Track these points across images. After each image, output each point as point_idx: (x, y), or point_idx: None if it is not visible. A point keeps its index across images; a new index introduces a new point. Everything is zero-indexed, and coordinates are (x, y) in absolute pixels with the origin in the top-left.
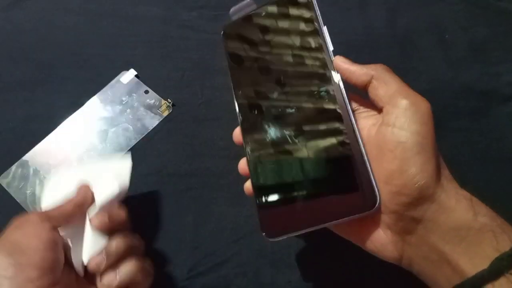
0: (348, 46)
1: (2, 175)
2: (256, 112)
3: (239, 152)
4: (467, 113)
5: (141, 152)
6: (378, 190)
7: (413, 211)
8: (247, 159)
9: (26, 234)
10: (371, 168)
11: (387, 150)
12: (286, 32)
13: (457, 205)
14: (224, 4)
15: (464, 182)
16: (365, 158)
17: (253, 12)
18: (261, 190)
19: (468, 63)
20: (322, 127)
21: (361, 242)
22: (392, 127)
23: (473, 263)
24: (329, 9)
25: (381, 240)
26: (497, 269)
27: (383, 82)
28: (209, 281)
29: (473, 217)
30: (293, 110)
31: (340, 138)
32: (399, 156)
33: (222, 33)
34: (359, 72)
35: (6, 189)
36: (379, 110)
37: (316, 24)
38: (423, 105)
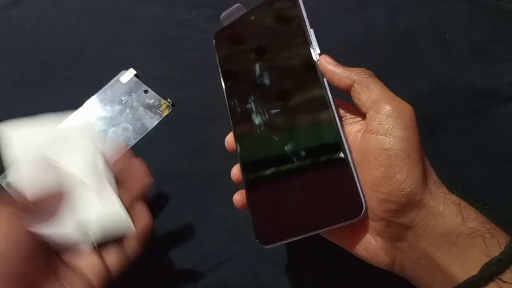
0: (348, 46)
1: (2, 175)
2: (247, 119)
3: None
4: (467, 113)
5: (141, 152)
6: (364, 198)
7: (401, 217)
8: (240, 165)
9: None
10: (357, 175)
11: (372, 158)
12: (275, 36)
13: (445, 211)
14: (224, 4)
15: (463, 182)
16: (352, 165)
17: (243, 17)
18: (254, 197)
19: (469, 63)
20: (311, 133)
21: (353, 248)
22: (376, 134)
23: (463, 269)
24: (329, 9)
25: (372, 247)
26: (487, 274)
27: (365, 87)
28: (209, 281)
29: (461, 222)
30: (283, 116)
31: (327, 145)
32: (384, 163)
33: (213, 41)
34: (341, 75)
35: (6, 189)
36: (364, 115)
37: (303, 27)
38: (406, 110)
